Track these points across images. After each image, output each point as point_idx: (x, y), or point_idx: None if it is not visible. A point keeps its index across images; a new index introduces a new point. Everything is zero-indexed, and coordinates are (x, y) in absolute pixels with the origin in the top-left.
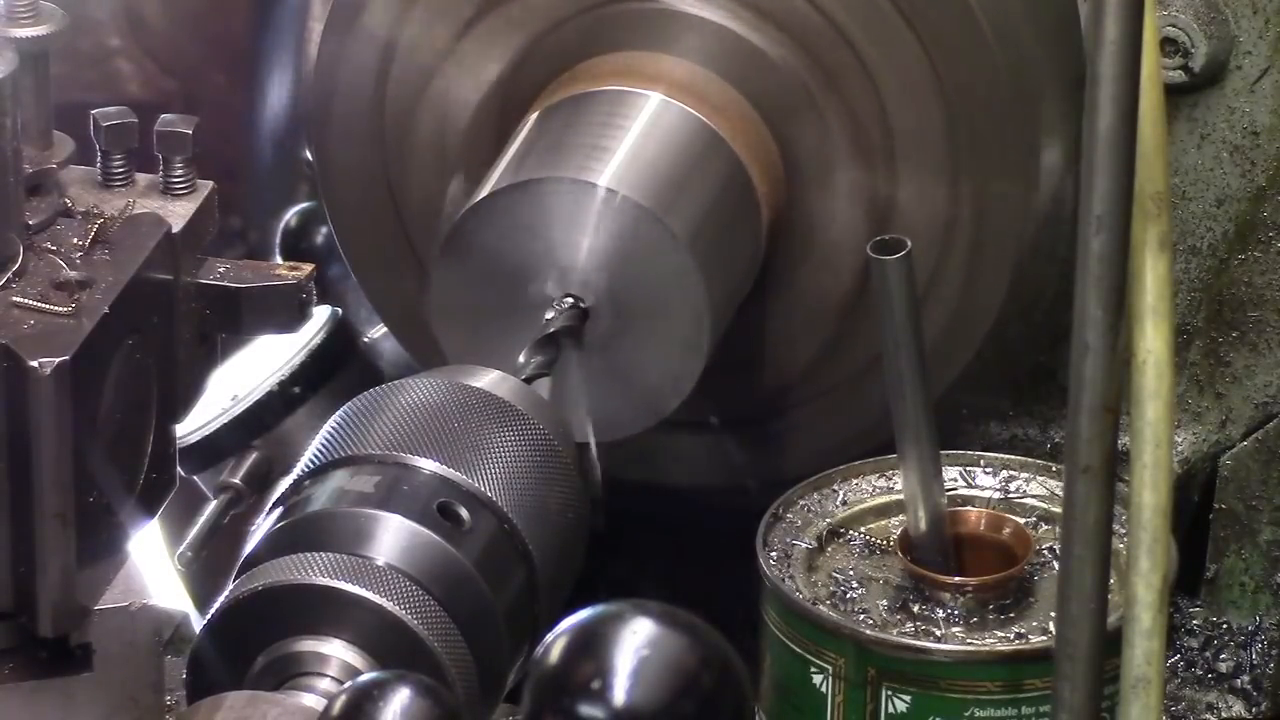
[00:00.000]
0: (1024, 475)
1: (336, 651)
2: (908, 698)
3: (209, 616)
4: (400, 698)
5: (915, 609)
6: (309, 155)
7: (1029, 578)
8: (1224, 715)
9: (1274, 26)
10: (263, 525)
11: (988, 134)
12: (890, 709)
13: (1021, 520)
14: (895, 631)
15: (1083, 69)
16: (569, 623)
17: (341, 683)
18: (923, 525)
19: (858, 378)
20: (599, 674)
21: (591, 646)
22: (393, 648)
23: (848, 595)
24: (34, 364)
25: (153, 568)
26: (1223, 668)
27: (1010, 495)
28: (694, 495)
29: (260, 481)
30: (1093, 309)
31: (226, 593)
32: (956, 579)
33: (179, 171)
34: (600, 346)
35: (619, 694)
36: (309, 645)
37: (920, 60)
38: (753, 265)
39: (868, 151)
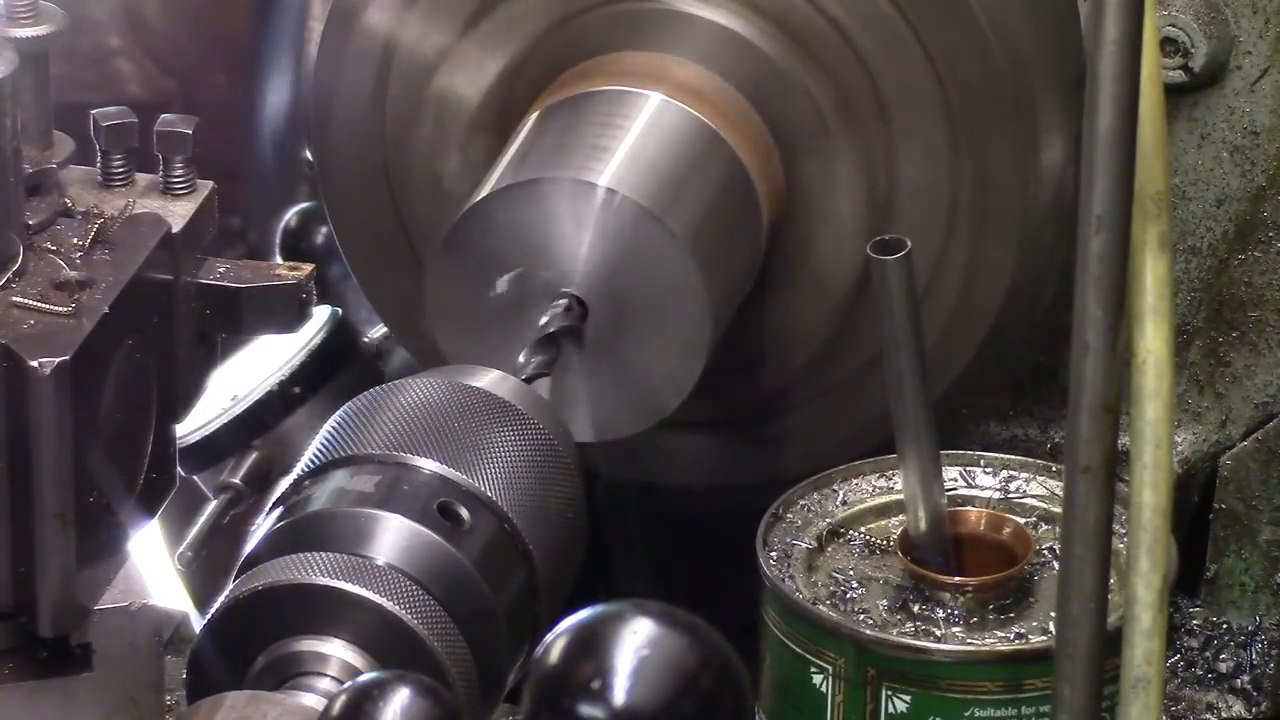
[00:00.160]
0: (1024, 475)
1: (336, 651)
2: (908, 698)
3: (209, 616)
4: (400, 698)
5: (915, 609)
6: (309, 155)
7: (1029, 578)
8: (1224, 715)
9: (1274, 26)
10: (263, 525)
11: (988, 134)
12: (890, 709)
13: (1021, 520)
14: (895, 631)
15: (1083, 69)
16: (569, 623)
17: (341, 682)
18: (923, 525)
19: (858, 378)
20: (599, 674)
21: (591, 646)
22: (393, 648)
23: (848, 595)
24: (34, 364)
25: (153, 568)
26: (1223, 668)
27: (1010, 495)
28: (694, 495)
29: (260, 481)
30: (1093, 309)
31: (226, 593)
32: (956, 579)
33: (179, 171)
34: (600, 346)
35: (619, 694)
36: (309, 645)
37: (921, 60)
38: (753, 265)
39: (868, 150)
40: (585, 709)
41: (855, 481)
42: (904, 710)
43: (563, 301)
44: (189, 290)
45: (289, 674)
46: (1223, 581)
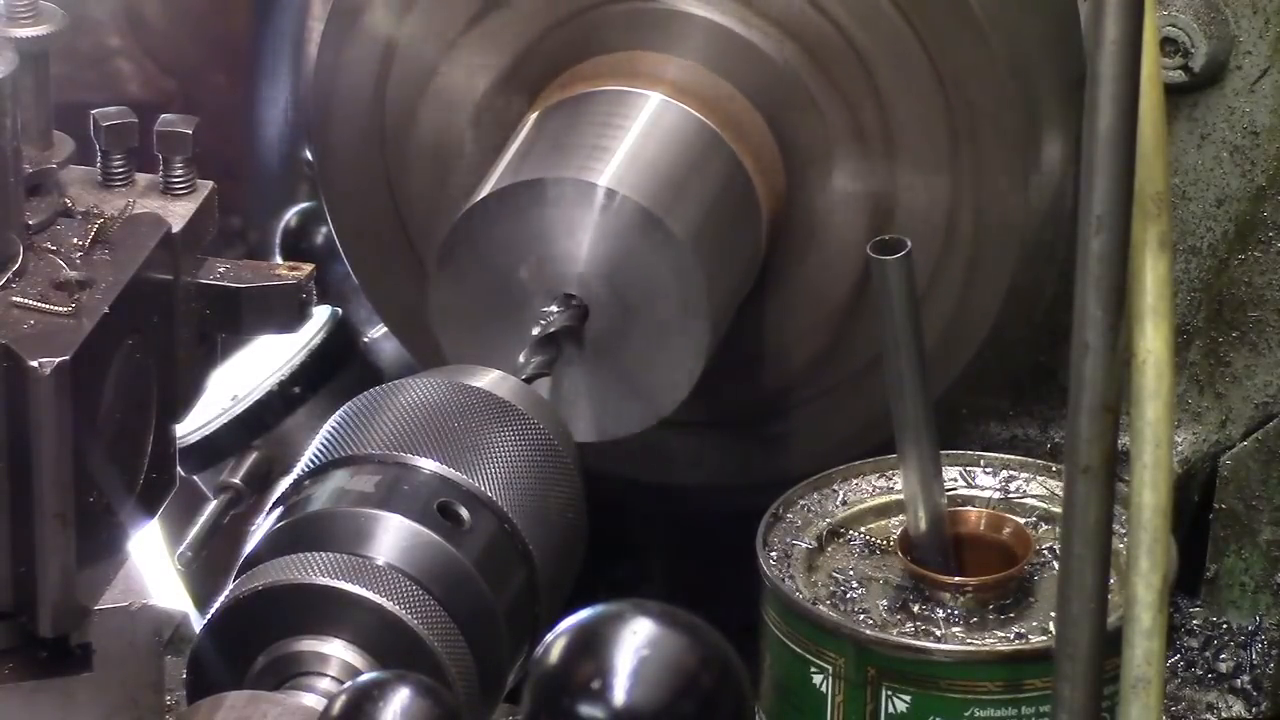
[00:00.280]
0: (1024, 475)
1: (337, 651)
2: (908, 698)
3: (209, 616)
4: (400, 698)
5: (915, 609)
6: (309, 155)
7: (1029, 578)
8: (1224, 715)
9: (1274, 26)
10: (263, 525)
11: (988, 134)
12: (890, 709)
13: (1021, 520)
14: (895, 631)
15: (1083, 69)
16: (569, 623)
17: (342, 682)
18: (923, 525)
19: (858, 378)
20: (599, 674)
21: (591, 646)
22: (393, 647)
23: (848, 595)
24: (34, 364)
25: (153, 568)
26: (1223, 668)
27: (1010, 495)
28: (694, 495)
29: (260, 481)
30: (1093, 309)
31: (226, 592)
32: (956, 579)
33: (179, 171)
34: (600, 346)
35: (619, 694)
36: (309, 645)
37: (921, 60)
38: (753, 265)
39: (868, 151)
40: (585, 709)
41: (855, 481)
42: (904, 710)
43: (563, 301)
44: (189, 290)
45: (289, 674)
46: (1223, 581)
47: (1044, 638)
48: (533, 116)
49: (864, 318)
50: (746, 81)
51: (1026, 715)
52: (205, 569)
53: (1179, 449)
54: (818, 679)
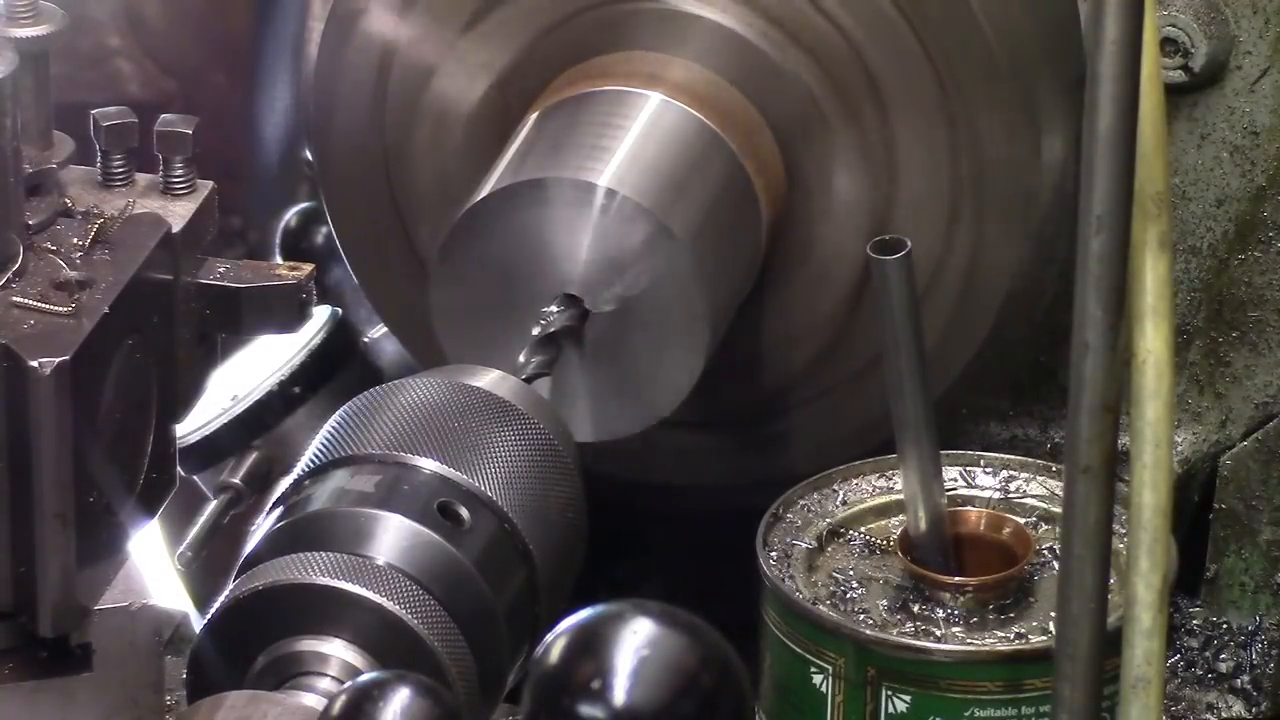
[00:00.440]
0: (1024, 475)
1: (337, 651)
2: (908, 698)
3: (209, 616)
4: (400, 698)
5: (915, 609)
6: (309, 155)
7: (1029, 578)
8: (1224, 715)
9: (1274, 26)
10: (263, 525)
11: (988, 135)
12: (890, 709)
13: (1021, 520)
14: (895, 631)
15: (1083, 69)
16: (569, 623)
17: (342, 682)
18: (923, 525)
19: (858, 378)
20: (599, 674)
21: (591, 646)
22: (393, 647)
23: (848, 595)
24: (34, 364)
25: (153, 568)
26: (1223, 668)
27: (1010, 495)
28: (694, 495)
29: (260, 481)
30: (1093, 309)
31: (226, 592)
32: (956, 579)
33: (179, 171)
34: (600, 346)
35: (619, 694)
36: (309, 645)
37: (921, 61)
38: (753, 265)
39: (868, 151)
40: (585, 709)
41: (855, 481)
42: (904, 710)
43: (563, 301)
44: (189, 290)
45: (289, 674)
46: (1223, 581)
47: (1044, 638)
48: (533, 116)
49: (864, 318)
50: (746, 82)
51: (1026, 715)
52: (205, 569)
53: (1179, 449)
54: (818, 679)
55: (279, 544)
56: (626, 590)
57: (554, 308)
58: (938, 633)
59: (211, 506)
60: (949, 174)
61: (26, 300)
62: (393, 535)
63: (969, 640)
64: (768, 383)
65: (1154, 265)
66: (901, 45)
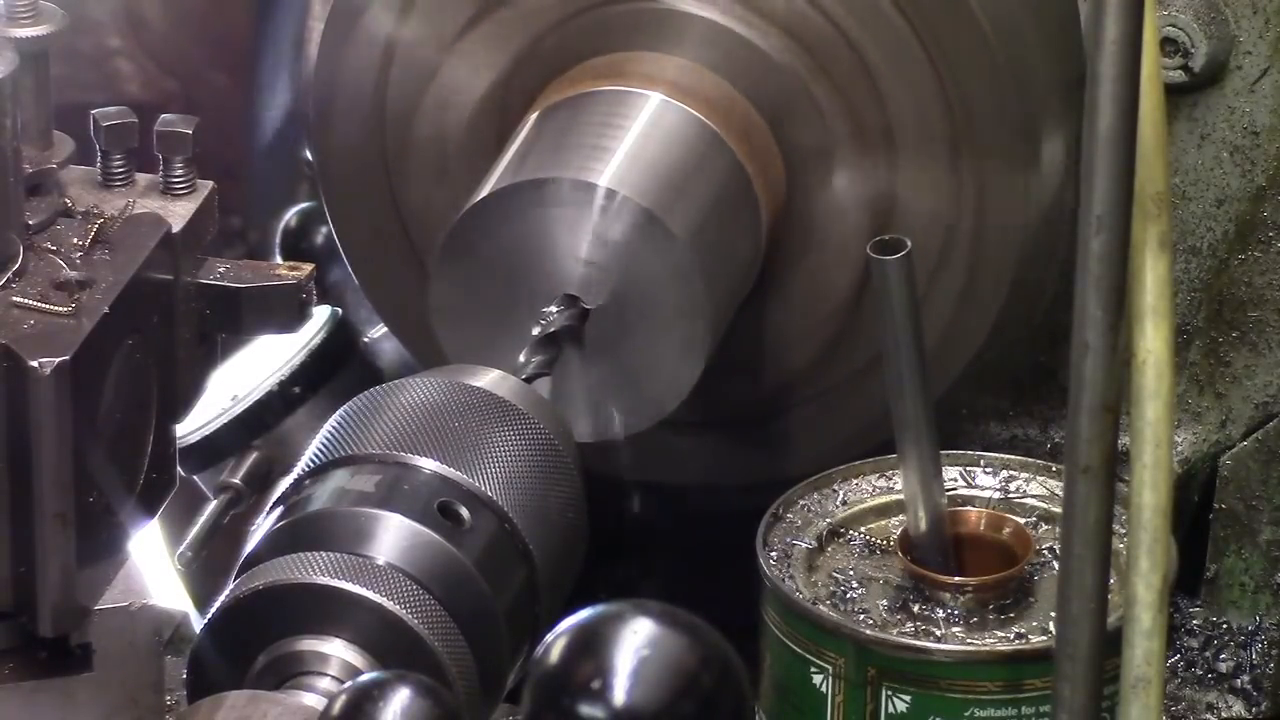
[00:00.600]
0: (1024, 475)
1: (337, 651)
2: (908, 698)
3: (209, 616)
4: (400, 698)
5: (915, 609)
6: (309, 155)
7: (1029, 578)
8: (1224, 715)
9: (1274, 26)
10: (263, 525)
11: (988, 134)
12: (890, 709)
13: (1021, 520)
14: (895, 631)
15: (1083, 69)
16: (569, 623)
17: (342, 682)
18: (923, 525)
19: (858, 378)
20: (599, 674)
21: (591, 646)
22: (393, 647)
23: (848, 595)
24: (34, 364)
25: (153, 568)
26: (1223, 668)
27: (1010, 495)
28: (694, 495)
29: (260, 481)
30: (1093, 309)
31: (227, 592)
32: (956, 579)
33: (179, 171)
34: (600, 346)
35: (619, 694)
36: (309, 644)
37: (921, 60)
38: (753, 265)
39: (868, 151)
40: (585, 709)
41: (855, 481)
42: (904, 710)
43: (563, 301)
44: (189, 290)
45: (289, 673)
46: (1223, 581)
47: (1044, 638)
48: (533, 116)
49: (864, 318)
50: (746, 81)
51: (1026, 715)
52: (205, 569)
53: (1179, 449)
54: (818, 679)
55: (279, 544)
56: (626, 590)
57: (554, 308)
58: (938, 633)
59: (211, 506)
60: (949, 172)
61: (26, 300)
62: (393, 535)
63: (969, 640)
64: (768, 382)
65: (1154, 265)
66: (901, 45)
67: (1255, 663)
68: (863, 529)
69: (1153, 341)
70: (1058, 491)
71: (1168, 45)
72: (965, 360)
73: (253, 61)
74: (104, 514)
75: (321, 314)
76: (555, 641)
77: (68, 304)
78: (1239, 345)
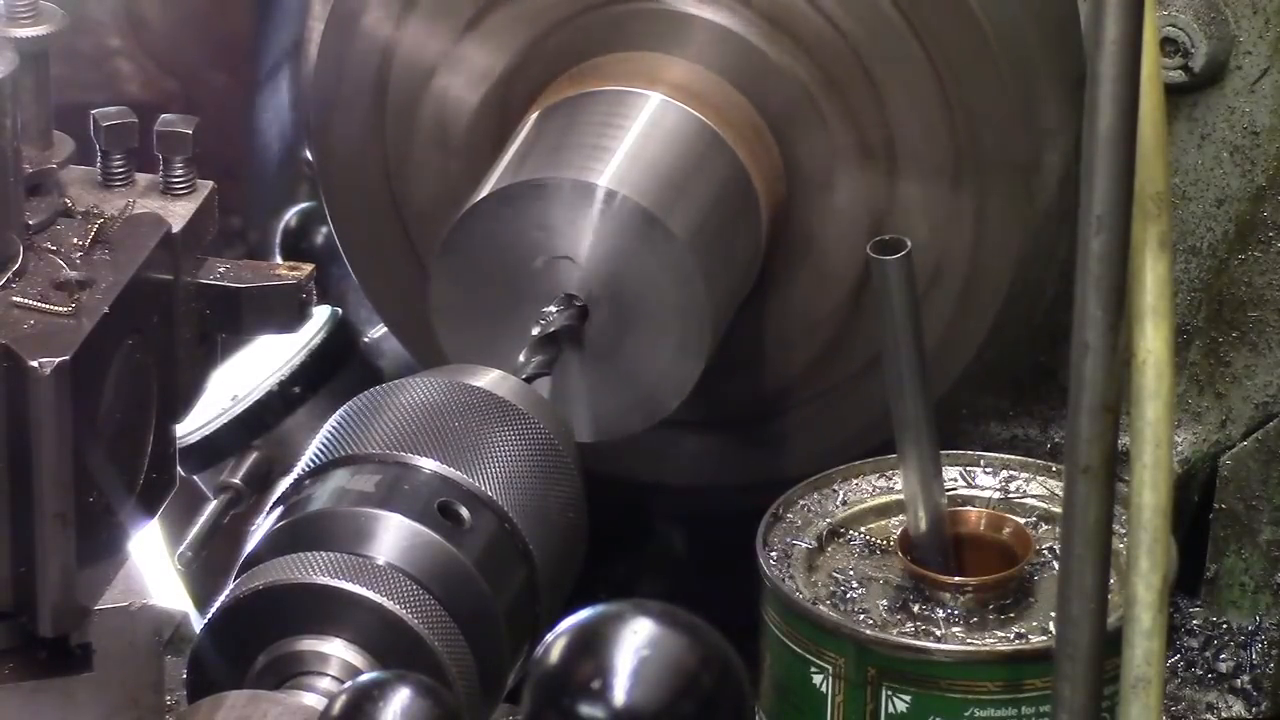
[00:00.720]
0: (1024, 475)
1: (337, 651)
2: (908, 698)
3: (209, 616)
4: (400, 698)
5: (915, 609)
6: (309, 155)
7: (1029, 578)
8: (1224, 715)
9: (1274, 26)
10: (263, 525)
11: (989, 135)
12: (890, 709)
13: (1021, 520)
14: (895, 631)
15: (1083, 69)
16: (569, 623)
17: (342, 682)
18: (923, 525)
19: (858, 378)
20: (599, 674)
21: (591, 646)
22: (393, 647)
23: (848, 595)
24: (34, 364)
25: (153, 568)
26: (1223, 668)
27: (1010, 495)
28: (694, 495)
29: (260, 481)
30: (1093, 309)
31: (227, 592)
32: (956, 579)
33: (179, 171)
34: (600, 346)
35: (619, 694)
36: (310, 644)
37: (920, 59)
38: (753, 265)
39: (868, 151)
40: (585, 709)
41: (855, 481)
42: (904, 710)
43: (563, 301)
44: (189, 290)
45: (289, 673)
46: (1223, 581)
47: (1044, 638)
48: (533, 116)
49: (864, 318)
50: (746, 82)
51: (1026, 715)
52: (205, 569)
53: (1179, 449)
54: (818, 679)
55: (279, 544)
56: (626, 590)
57: (554, 308)
58: (938, 633)
59: (211, 506)
60: (949, 173)
61: (26, 300)
62: (393, 535)
63: (969, 640)
64: (768, 382)
65: (1154, 265)
66: (901, 45)
67: (1255, 663)
68: (863, 529)
69: (1153, 341)
70: (1058, 491)
71: (1168, 45)
72: (965, 360)
73: (253, 61)
74: (104, 514)
75: (321, 314)
76: (555, 641)
77: (68, 304)
78: (1239, 345)
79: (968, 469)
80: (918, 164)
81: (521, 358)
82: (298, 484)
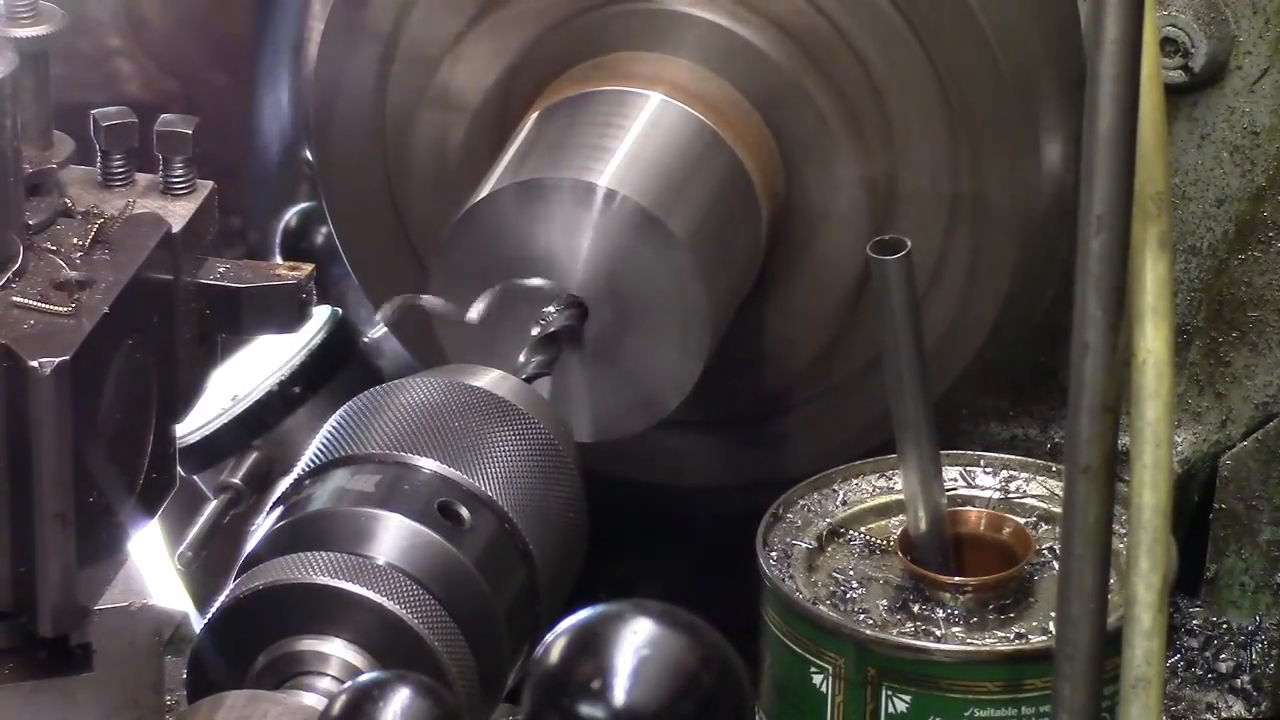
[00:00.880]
0: (1024, 475)
1: (337, 651)
2: (908, 698)
3: (209, 616)
4: (400, 698)
5: (915, 609)
6: (309, 155)
7: (1029, 578)
8: (1224, 715)
9: (1274, 26)
10: (263, 525)
11: (988, 134)
12: (890, 709)
13: (1021, 520)
14: (895, 631)
15: (1083, 69)
16: (569, 623)
17: (342, 682)
18: (923, 525)
19: (858, 378)
20: (599, 674)
21: (591, 646)
22: (393, 647)
23: (848, 595)
24: (34, 364)
25: (153, 568)
26: (1223, 668)
27: (1010, 495)
28: (694, 495)
29: (260, 481)
30: (1093, 309)
31: (227, 592)
32: (956, 579)
33: (179, 171)
34: (600, 346)
35: (619, 694)
36: (309, 644)
37: (921, 61)
38: (753, 265)
39: (867, 151)
40: (585, 709)
41: (855, 481)
42: (904, 710)
43: (563, 302)
44: (189, 290)
45: (289, 673)
46: (1223, 581)
47: (1044, 638)
48: (533, 116)
49: (864, 318)
50: (746, 82)
51: (1026, 715)
52: (205, 569)
53: (1179, 449)
54: (818, 679)
55: (279, 544)
56: (626, 590)
57: (554, 308)
58: (938, 633)
59: (211, 506)
60: (949, 173)
61: (26, 300)
62: (393, 535)
63: (969, 640)
64: (768, 382)
65: (1154, 265)
66: (900, 45)
67: (1255, 663)
68: (863, 529)
69: (1153, 341)
70: (1058, 491)
71: (1168, 45)
72: (965, 360)
73: (253, 61)
74: (104, 514)
75: (321, 314)
76: (555, 641)
77: (68, 304)
78: (1239, 345)
79: (968, 469)
80: (917, 164)
81: (521, 358)
82: (298, 484)
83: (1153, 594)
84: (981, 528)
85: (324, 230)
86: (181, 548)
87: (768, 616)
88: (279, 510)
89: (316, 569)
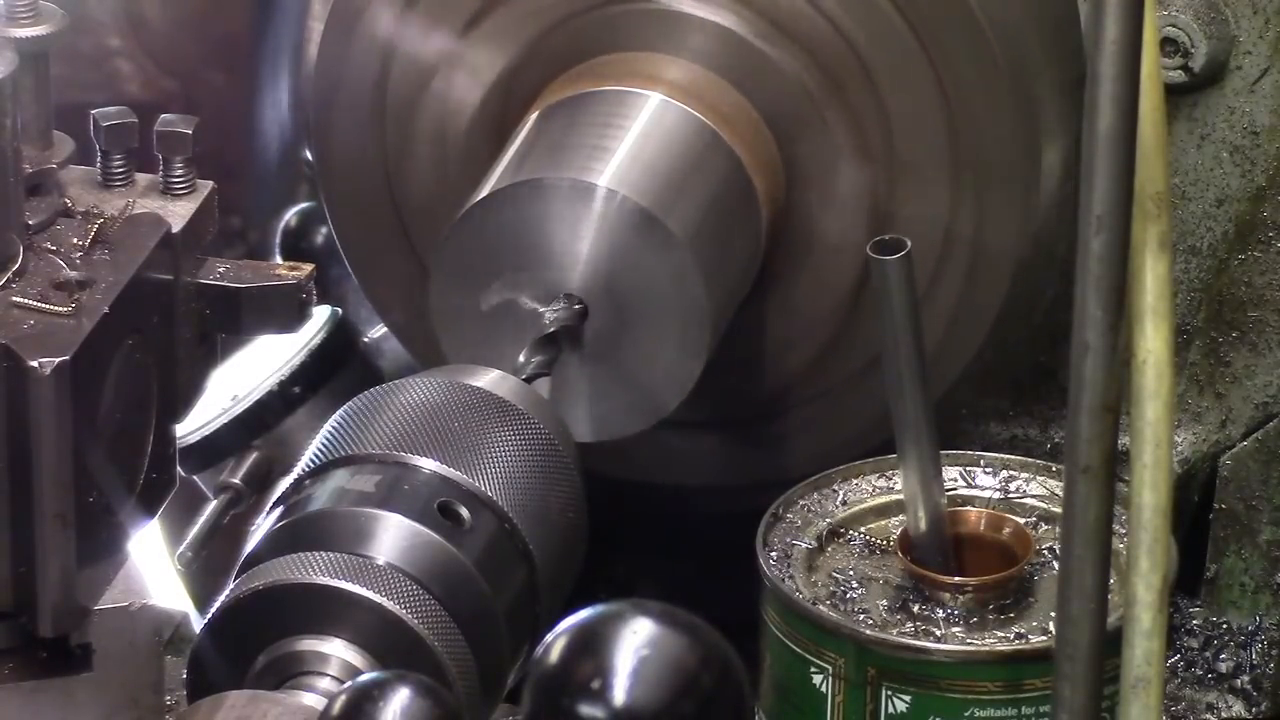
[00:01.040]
0: (1024, 475)
1: (337, 651)
2: (908, 698)
3: (209, 616)
4: (400, 698)
5: (915, 609)
6: (309, 155)
7: (1029, 578)
8: (1224, 715)
9: (1274, 26)
10: (263, 525)
11: (988, 135)
12: (890, 709)
13: (1021, 520)
14: (895, 631)
15: (1083, 69)
16: (569, 623)
17: (342, 682)
18: (923, 525)
19: (858, 378)
20: (599, 674)
21: (591, 646)
22: (393, 647)
23: (848, 595)
24: (34, 364)
25: (153, 568)
26: (1223, 668)
27: (1010, 495)
28: (694, 495)
29: (260, 481)
30: (1093, 309)
31: (227, 592)
32: (956, 579)
33: (179, 171)
34: (600, 346)
35: (619, 694)
36: (309, 644)
37: (920, 59)
38: (753, 265)
39: (868, 151)
40: (585, 709)
41: (855, 481)
42: (904, 710)
43: (563, 301)
44: (189, 290)
45: (289, 673)
46: (1223, 581)
47: (1044, 638)
48: (533, 116)
49: (864, 318)
50: (746, 82)
51: (1026, 715)
52: (205, 569)
53: (1179, 449)
54: (818, 679)
55: (279, 544)
56: (626, 590)
57: (554, 308)
58: (938, 633)
59: (211, 506)
60: (949, 173)
61: (26, 300)
62: (393, 535)
63: (969, 640)
64: (768, 382)
65: (1154, 265)
66: (900, 45)
67: (1255, 663)
68: (863, 529)
69: (1153, 341)
70: (1058, 491)
71: (1168, 45)
72: (965, 360)
73: (253, 61)
74: (104, 514)
75: (321, 314)
76: (555, 641)
77: (68, 304)
78: (1239, 345)
79: (968, 469)
80: (917, 163)
81: (521, 358)
82: (298, 484)
83: (1153, 594)
84: (981, 528)
85: (324, 230)
86: (181, 548)
87: (768, 616)
88: (279, 510)
89: (316, 569)
